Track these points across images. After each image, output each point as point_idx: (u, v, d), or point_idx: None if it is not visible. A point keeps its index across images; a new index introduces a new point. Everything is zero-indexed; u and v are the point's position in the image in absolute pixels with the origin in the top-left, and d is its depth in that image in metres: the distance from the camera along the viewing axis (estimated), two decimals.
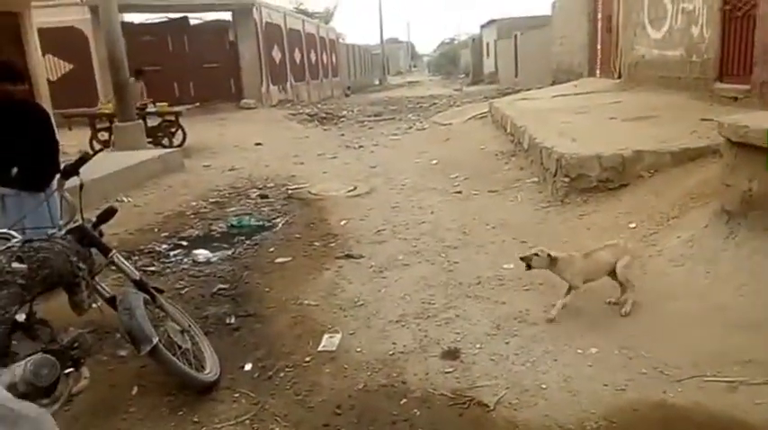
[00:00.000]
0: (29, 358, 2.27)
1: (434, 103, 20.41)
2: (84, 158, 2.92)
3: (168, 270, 4.78)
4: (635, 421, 2.51)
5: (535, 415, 2.59)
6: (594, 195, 5.54)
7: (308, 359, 3.18)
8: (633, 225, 4.80)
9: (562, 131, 7.08)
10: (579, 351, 3.07)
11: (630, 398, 2.65)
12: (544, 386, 2.79)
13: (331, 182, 8.14)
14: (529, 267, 3.47)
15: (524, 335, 3.30)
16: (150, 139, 10.82)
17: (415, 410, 2.66)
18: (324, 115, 18.63)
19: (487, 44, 34.42)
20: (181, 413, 2.71)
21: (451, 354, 3.15)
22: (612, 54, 13.04)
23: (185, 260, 5.03)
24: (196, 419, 2.67)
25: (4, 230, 2.66)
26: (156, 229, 6.00)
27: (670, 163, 5.52)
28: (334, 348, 3.28)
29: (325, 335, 3.43)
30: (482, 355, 3.12)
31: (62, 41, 16.19)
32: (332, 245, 5.26)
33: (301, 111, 19.76)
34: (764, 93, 6.54)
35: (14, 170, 4.03)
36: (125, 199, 7.22)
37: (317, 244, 5.30)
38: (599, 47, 14.51)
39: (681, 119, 6.93)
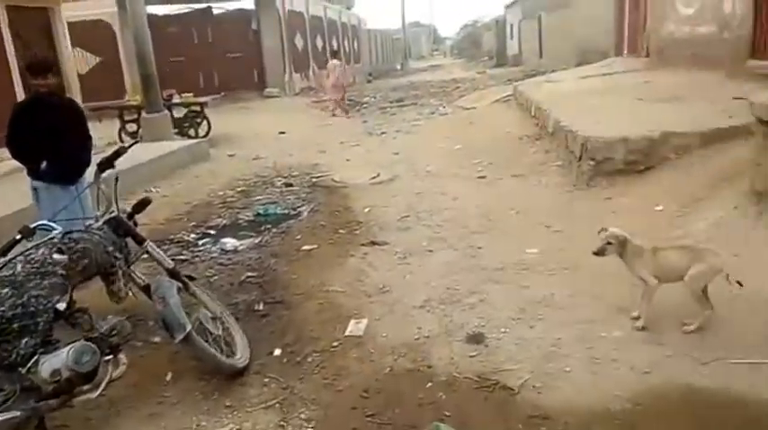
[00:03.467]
0: (71, 345, 2.39)
1: (457, 87, 20.22)
2: (119, 152, 3.02)
3: (197, 258, 4.90)
4: (660, 404, 2.52)
5: (560, 398, 2.62)
6: (620, 178, 5.48)
7: (335, 344, 3.25)
8: (660, 208, 4.75)
9: (587, 114, 6.99)
10: (603, 334, 3.08)
11: (656, 381, 2.66)
12: (568, 369, 2.82)
13: (354, 169, 8.18)
14: (600, 253, 3.11)
15: (549, 319, 3.32)
16: (176, 130, 10.99)
17: (441, 394, 2.71)
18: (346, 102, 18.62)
19: (511, 25, 33.85)
20: (214, 397, 2.81)
21: (476, 339, 3.18)
22: (640, 32, 12.73)
23: (214, 249, 5.15)
24: (228, 403, 2.76)
25: (45, 222, 2.76)
26: (184, 219, 6.14)
27: (699, 144, 5.43)
28: (360, 333, 3.35)
29: (352, 321, 3.50)
30: (506, 340, 3.15)
31: (91, 34, 16.45)
32: (356, 232, 5.31)
33: (323, 98, 19.77)
34: None
35: (44, 164, 4.15)
36: (154, 189, 7.38)
37: (341, 231, 5.36)
38: (626, 25, 14.17)
39: (711, 98, 6.78)
